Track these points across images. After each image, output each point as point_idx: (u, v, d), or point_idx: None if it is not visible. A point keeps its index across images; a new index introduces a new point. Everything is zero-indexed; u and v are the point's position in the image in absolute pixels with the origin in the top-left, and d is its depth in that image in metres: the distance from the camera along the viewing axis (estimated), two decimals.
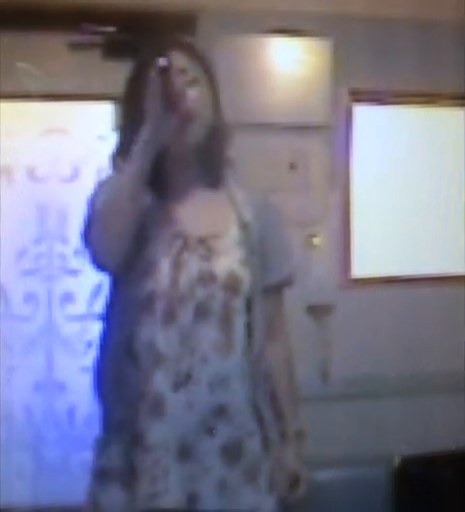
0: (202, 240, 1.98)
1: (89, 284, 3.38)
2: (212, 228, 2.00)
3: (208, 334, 1.94)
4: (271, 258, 2.09)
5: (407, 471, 3.46)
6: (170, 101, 1.88)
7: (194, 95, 1.98)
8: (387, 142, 3.67)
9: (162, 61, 1.87)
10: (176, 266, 1.95)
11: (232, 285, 1.97)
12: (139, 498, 1.92)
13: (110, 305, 2.06)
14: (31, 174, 3.40)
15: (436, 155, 3.75)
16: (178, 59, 1.99)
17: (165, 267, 1.95)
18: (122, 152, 2.04)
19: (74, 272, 3.39)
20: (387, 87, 3.61)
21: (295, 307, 3.47)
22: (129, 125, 2.02)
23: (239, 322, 1.99)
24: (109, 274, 2.03)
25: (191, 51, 2.06)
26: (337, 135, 3.57)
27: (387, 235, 3.67)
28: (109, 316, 2.06)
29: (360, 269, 3.62)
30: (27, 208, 3.41)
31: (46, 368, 3.43)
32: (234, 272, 1.97)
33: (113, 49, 3.29)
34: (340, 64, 3.46)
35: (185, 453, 1.93)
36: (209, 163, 2.06)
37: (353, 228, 3.61)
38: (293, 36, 3.43)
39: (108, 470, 1.99)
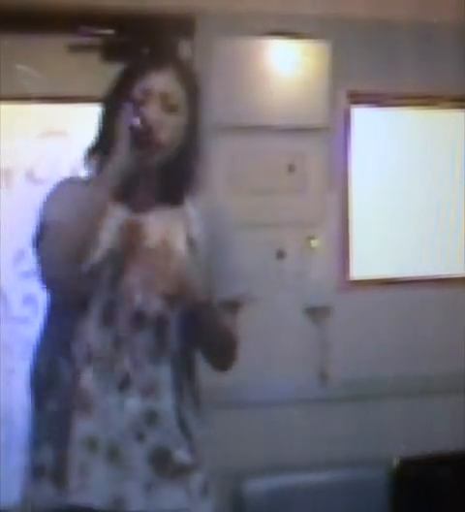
0: (151, 251, 2.00)
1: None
2: (161, 240, 2.02)
3: (143, 340, 1.98)
4: (221, 277, 2.10)
5: (406, 473, 3.47)
6: (140, 144, 1.93)
7: (169, 123, 2.00)
8: (386, 144, 3.67)
9: (135, 121, 1.92)
10: (121, 270, 1.99)
11: (169, 296, 1.98)
12: (66, 493, 1.95)
13: (52, 301, 2.09)
14: (30, 176, 3.39)
15: (435, 157, 3.75)
16: (163, 82, 2.02)
17: (109, 269, 1.98)
18: (95, 153, 2.09)
19: None
20: (386, 89, 3.62)
21: (294, 309, 3.49)
22: (105, 128, 2.06)
23: (172, 332, 2.02)
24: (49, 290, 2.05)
25: (180, 69, 2.08)
26: (336, 137, 3.57)
27: (386, 237, 3.67)
28: (51, 313, 2.10)
29: (359, 270, 3.63)
30: (26, 211, 3.39)
31: None
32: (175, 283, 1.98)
33: (112, 52, 3.29)
34: (338, 66, 3.46)
35: (113, 455, 1.96)
36: (168, 181, 2.08)
37: (351, 230, 3.61)
38: (291, 38, 3.44)
39: (41, 467, 2.01)
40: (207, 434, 2.11)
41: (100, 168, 2.06)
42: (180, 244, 2.05)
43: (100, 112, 2.11)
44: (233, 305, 2.15)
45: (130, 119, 1.93)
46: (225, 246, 2.13)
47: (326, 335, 3.52)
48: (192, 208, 2.10)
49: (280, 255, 3.47)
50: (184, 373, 2.06)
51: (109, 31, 3.32)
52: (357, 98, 3.60)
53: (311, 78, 3.46)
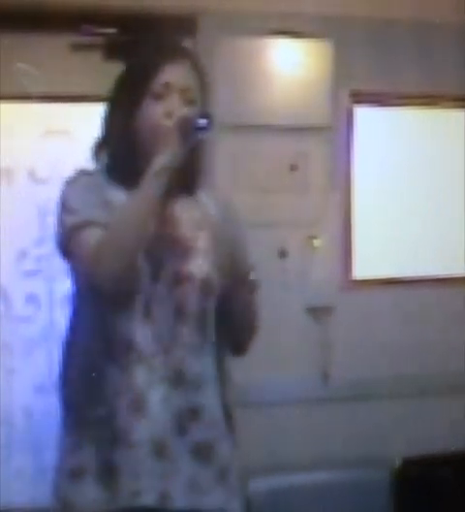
0: (183, 241, 2.00)
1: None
2: (190, 230, 2.02)
3: (185, 334, 1.97)
4: (233, 265, 2.07)
5: (408, 473, 3.47)
6: (185, 138, 1.94)
7: (190, 114, 1.99)
8: (388, 143, 3.67)
9: (202, 122, 1.94)
10: (157, 264, 1.97)
11: (207, 286, 1.99)
12: (118, 497, 1.92)
13: (84, 303, 2.04)
14: (32, 175, 3.40)
15: (437, 156, 3.75)
16: (183, 74, 2.02)
17: (146, 264, 1.95)
18: (105, 146, 2.07)
19: None
20: (388, 89, 3.62)
21: (296, 309, 3.48)
22: (118, 122, 2.04)
23: (211, 323, 2.02)
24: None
25: (194, 62, 2.08)
26: (338, 136, 3.57)
27: (388, 236, 3.67)
28: (87, 314, 2.03)
29: (361, 270, 3.63)
30: (28, 210, 3.40)
31: (47, 370, 3.42)
32: (209, 273, 2.00)
33: (114, 51, 3.29)
34: (341, 66, 3.46)
35: (159, 451, 1.94)
36: (188, 172, 2.06)
37: (353, 229, 3.61)
38: (293, 38, 3.44)
39: (81, 470, 1.97)
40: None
41: (111, 161, 2.04)
42: (205, 234, 2.05)
43: (109, 107, 2.09)
44: (252, 286, 2.14)
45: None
46: (238, 235, 2.11)
47: (328, 334, 3.51)
48: (204, 197, 2.11)
49: (282, 254, 3.47)
50: (225, 367, 2.06)
51: (111, 30, 3.32)
52: (360, 98, 3.60)
53: (313, 77, 3.46)
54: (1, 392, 3.37)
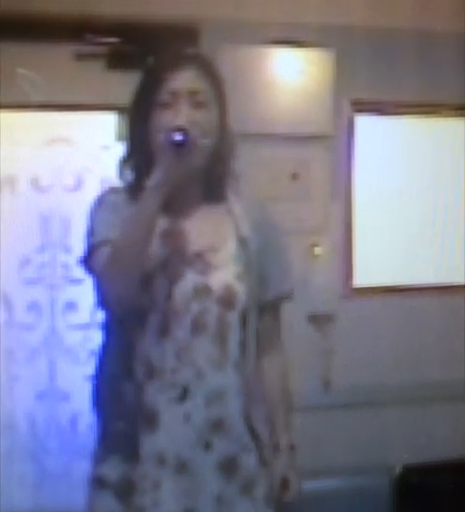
0: (199, 255, 1.98)
1: (92, 293, 3.39)
2: (209, 242, 2.00)
3: (203, 348, 1.95)
4: (270, 273, 2.08)
5: (408, 480, 3.46)
6: (182, 153, 1.90)
7: (200, 120, 1.97)
8: (389, 152, 3.68)
9: (177, 136, 1.88)
10: (172, 279, 1.95)
11: (227, 299, 1.97)
12: (135, 510, 1.93)
13: (109, 319, 2.06)
14: (35, 183, 3.40)
15: (437, 165, 3.75)
16: (189, 79, 2.00)
17: (160, 280, 1.95)
18: (128, 163, 2.07)
19: (77, 282, 3.39)
20: (389, 98, 3.62)
21: (297, 317, 3.48)
22: (136, 137, 2.04)
23: (234, 336, 1.99)
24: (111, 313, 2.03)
25: (203, 65, 2.05)
26: (339, 145, 3.58)
27: (389, 244, 3.67)
28: (108, 330, 2.06)
29: (362, 278, 3.63)
30: (30, 218, 3.41)
31: (49, 377, 3.43)
32: (230, 286, 1.98)
33: (117, 60, 3.30)
34: (342, 75, 3.46)
35: (182, 467, 1.93)
36: (211, 179, 2.06)
37: (354, 238, 3.62)
38: (295, 47, 3.44)
39: (104, 480, 1.99)
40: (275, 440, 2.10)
41: (134, 177, 2.04)
42: (231, 244, 2.02)
43: (127, 121, 2.08)
44: (282, 301, 2.16)
45: (168, 134, 1.90)
46: (274, 241, 2.11)
47: (329, 342, 3.52)
48: (236, 204, 2.07)
49: None
50: (249, 376, 2.03)
51: (115, 39, 3.33)
52: (361, 106, 3.60)
53: (315, 86, 3.47)
54: (3, 399, 3.37)
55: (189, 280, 1.95)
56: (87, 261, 2.01)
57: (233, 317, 1.99)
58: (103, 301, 1.94)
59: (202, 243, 1.99)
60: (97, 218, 2.01)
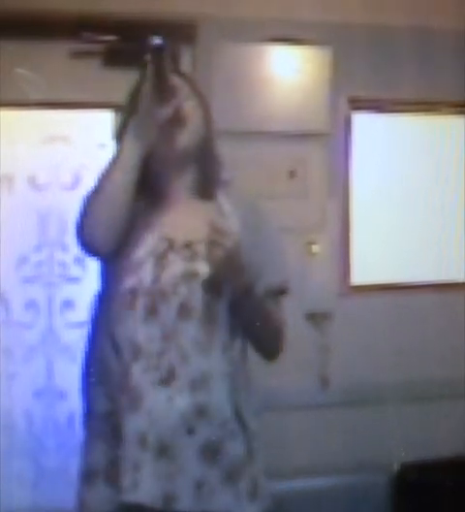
0: (188, 245, 2.01)
1: (89, 291, 3.38)
2: (198, 235, 2.01)
3: (190, 332, 1.96)
4: (263, 267, 2.08)
5: (406, 478, 3.46)
6: (162, 92, 1.94)
7: (188, 105, 2.04)
8: (387, 149, 3.68)
9: (156, 40, 1.92)
10: (160, 265, 1.98)
11: (212, 287, 1.98)
12: (118, 492, 1.94)
13: (98, 302, 2.10)
14: (32, 181, 3.40)
15: (435, 163, 3.75)
16: (174, 79, 2.03)
17: (149, 265, 1.97)
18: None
19: (74, 280, 3.40)
20: (387, 95, 3.62)
21: (295, 314, 3.47)
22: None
23: (222, 323, 2.00)
24: (99, 260, 2.08)
25: (185, 79, 2.13)
26: (336, 143, 3.57)
27: (387, 242, 3.67)
28: (97, 312, 2.09)
29: (360, 276, 3.63)
30: (28, 216, 3.41)
31: (47, 376, 3.43)
32: (215, 274, 1.97)
33: (114, 58, 3.30)
34: (339, 72, 3.47)
35: (163, 450, 1.93)
36: (201, 177, 2.10)
37: (352, 235, 3.61)
38: (292, 44, 3.44)
39: (93, 468, 2.01)
40: (260, 428, 2.10)
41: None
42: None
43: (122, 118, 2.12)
44: (278, 293, 2.16)
45: (151, 46, 1.95)
46: (265, 236, 2.12)
47: (327, 340, 3.52)
48: (225, 202, 2.11)
49: None
50: (235, 365, 2.03)
51: (111, 37, 3.33)
52: (358, 104, 3.60)
53: (312, 84, 3.47)
54: (1, 396, 3.37)
55: (178, 265, 1.98)
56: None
57: (221, 304, 1.99)
58: (83, 241, 2.01)
59: (191, 235, 2.02)
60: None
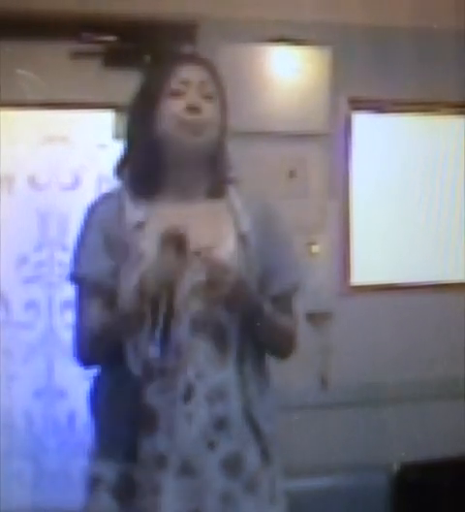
0: (198, 253, 1.95)
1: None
2: (208, 239, 1.98)
3: (204, 347, 1.93)
4: (274, 267, 2.06)
5: (406, 478, 3.46)
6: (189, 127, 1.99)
7: (207, 110, 2.03)
8: (387, 150, 3.68)
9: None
10: (170, 280, 1.92)
11: (225, 299, 1.93)
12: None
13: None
14: (32, 181, 3.40)
15: (435, 163, 3.75)
16: (199, 71, 2.05)
17: (158, 280, 1.90)
18: (125, 162, 2.08)
19: None
20: (387, 95, 3.62)
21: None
22: (139, 130, 2.05)
23: (234, 335, 1.98)
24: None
25: (206, 62, 2.11)
26: (336, 143, 3.58)
27: (387, 242, 3.67)
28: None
29: (360, 276, 3.63)
30: (28, 216, 3.41)
31: (47, 376, 3.43)
32: (228, 285, 1.92)
33: (114, 58, 3.30)
34: (339, 72, 3.47)
35: (185, 468, 1.91)
36: (213, 174, 2.07)
37: (352, 235, 3.62)
38: (292, 45, 3.44)
39: (101, 481, 1.98)
40: (277, 433, 2.07)
41: (129, 177, 2.06)
42: (230, 241, 2.01)
43: (129, 116, 2.10)
44: (291, 294, 2.12)
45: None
46: (277, 236, 2.09)
47: (327, 340, 3.52)
48: (236, 200, 2.07)
49: None
50: (250, 375, 2.01)
51: (111, 38, 3.33)
52: (358, 104, 3.60)
53: (312, 84, 3.47)
54: (1, 397, 3.37)
55: (187, 279, 1.92)
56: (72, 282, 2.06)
57: (232, 316, 1.97)
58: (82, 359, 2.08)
59: (201, 242, 1.97)
60: (86, 246, 2.05)
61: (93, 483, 2.00)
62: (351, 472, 3.49)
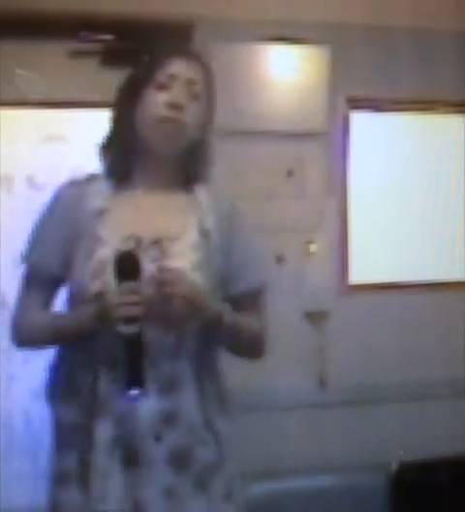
0: (156, 242, 1.96)
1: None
2: (168, 230, 1.99)
3: (157, 337, 1.92)
4: (237, 267, 2.06)
5: (405, 478, 3.46)
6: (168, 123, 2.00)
7: (192, 110, 2.02)
8: (385, 149, 3.68)
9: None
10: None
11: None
12: (89, 500, 1.93)
13: (66, 306, 2.08)
14: (30, 181, 3.41)
15: (434, 162, 3.75)
16: (188, 68, 2.04)
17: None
18: (108, 150, 2.11)
19: None
20: (385, 94, 3.62)
21: (293, 314, 3.49)
22: (119, 118, 2.09)
23: (191, 332, 1.96)
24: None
25: (198, 59, 2.10)
26: (334, 142, 3.58)
27: (385, 241, 3.67)
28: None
29: (358, 275, 3.63)
30: (27, 216, 3.40)
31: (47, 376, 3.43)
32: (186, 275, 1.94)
33: (112, 57, 3.31)
34: (337, 71, 3.47)
35: (131, 458, 1.91)
36: (184, 170, 2.08)
37: (350, 235, 3.62)
38: (290, 44, 3.45)
39: (65, 472, 1.99)
40: (234, 433, 2.07)
41: (109, 163, 2.07)
42: (191, 234, 2.01)
43: (115, 103, 2.13)
44: (257, 294, 2.11)
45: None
46: (242, 236, 2.09)
47: (325, 339, 3.52)
48: (204, 197, 2.08)
49: (279, 260, 3.47)
50: (206, 370, 2.00)
51: (109, 37, 3.33)
52: (357, 103, 3.61)
53: (310, 83, 3.47)
54: (1, 397, 3.37)
55: (146, 267, 1.90)
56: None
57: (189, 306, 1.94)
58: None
59: (160, 231, 1.98)
60: (42, 227, 2.13)
61: (59, 476, 2.02)
62: (349, 472, 3.49)
